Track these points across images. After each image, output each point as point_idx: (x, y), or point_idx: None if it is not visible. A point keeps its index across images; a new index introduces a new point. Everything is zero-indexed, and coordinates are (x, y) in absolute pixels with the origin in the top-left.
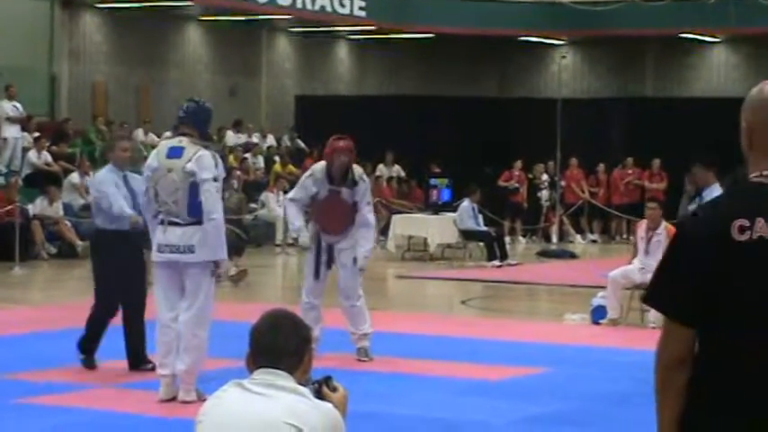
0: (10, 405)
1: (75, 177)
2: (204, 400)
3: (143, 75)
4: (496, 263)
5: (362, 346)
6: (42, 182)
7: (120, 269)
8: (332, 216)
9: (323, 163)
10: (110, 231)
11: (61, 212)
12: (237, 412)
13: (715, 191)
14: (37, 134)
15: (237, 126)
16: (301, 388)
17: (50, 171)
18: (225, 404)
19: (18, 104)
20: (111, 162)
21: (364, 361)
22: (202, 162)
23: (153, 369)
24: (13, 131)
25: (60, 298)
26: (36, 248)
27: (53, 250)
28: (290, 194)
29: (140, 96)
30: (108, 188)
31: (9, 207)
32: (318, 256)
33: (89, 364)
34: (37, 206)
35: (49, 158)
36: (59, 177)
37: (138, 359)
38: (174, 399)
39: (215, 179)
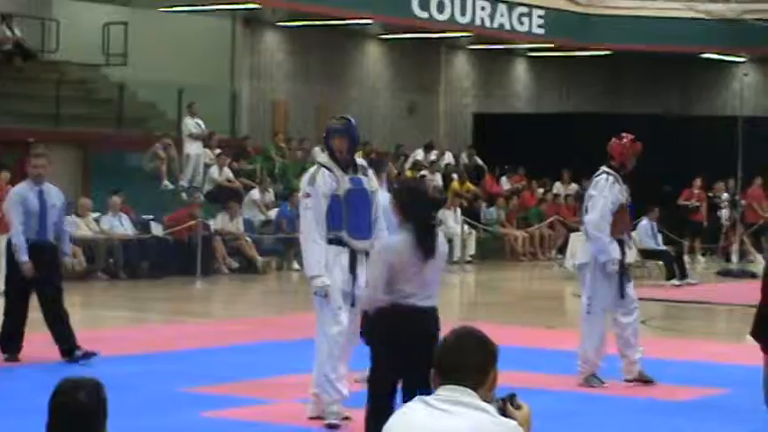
0: (197, 419)
1: (255, 194)
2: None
3: (323, 93)
4: (676, 282)
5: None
6: (224, 198)
7: None
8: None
9: None
10: None
11: (242, 228)
12: (423, 429)
13: None
14: (218, 151)
15: (429, 148)
16: (486, 405)
17: (231, 187)
18: (410, 421)
19: (200, 121)
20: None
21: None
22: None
23: None
24: (195, 148)
25: (240, 312)
26: (217, 263)
27: (234, 265)
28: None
29: (320, 114)
30: None
31: (191, 222)
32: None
33: None
34: (218, 222)
35: (230, 175)
36: (240, 193)
37: None
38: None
39: (307, 195)
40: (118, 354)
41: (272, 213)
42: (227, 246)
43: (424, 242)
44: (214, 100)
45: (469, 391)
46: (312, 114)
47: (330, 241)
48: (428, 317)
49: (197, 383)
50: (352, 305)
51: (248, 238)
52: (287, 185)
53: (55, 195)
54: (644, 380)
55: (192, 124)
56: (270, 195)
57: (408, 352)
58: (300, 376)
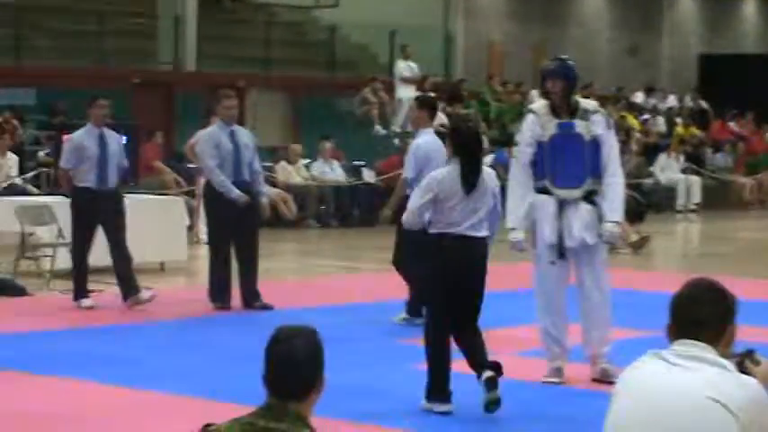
0: (411, 371)
1: None
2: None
3: (540, 33)
4: None
5: None
6: None
7: None
8: None
9: None
10: None
11: None
12: (657, 384)
13: None
14: (432, 95)
15: (650, 91)
16: (724, 361)
17: (445, 133)
18: (643, 375)
19: (413, 64)
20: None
21: None
22: None
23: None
24: (407, 92)
25: None
26: None
27: None
28: None
29: (537, 55)
30: None
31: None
32: None
33: None
34: None
35: (444, 119)
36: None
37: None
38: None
39: (516, 143)
40: (329, 304)
41: (488, 159)
42: None
43: (467, 176)
44: (427, 41)
45: (706, 345)
46: (529, 56)
47: (538, 191)
48: (475, 245)
49: (412, 335)
50: (562, 256)
51: None
52: (503, 131)
53: (246, 135)
54: None
55: (404, 67)
56: (485, 141)
57: (455, 279)
58: (519, 328)
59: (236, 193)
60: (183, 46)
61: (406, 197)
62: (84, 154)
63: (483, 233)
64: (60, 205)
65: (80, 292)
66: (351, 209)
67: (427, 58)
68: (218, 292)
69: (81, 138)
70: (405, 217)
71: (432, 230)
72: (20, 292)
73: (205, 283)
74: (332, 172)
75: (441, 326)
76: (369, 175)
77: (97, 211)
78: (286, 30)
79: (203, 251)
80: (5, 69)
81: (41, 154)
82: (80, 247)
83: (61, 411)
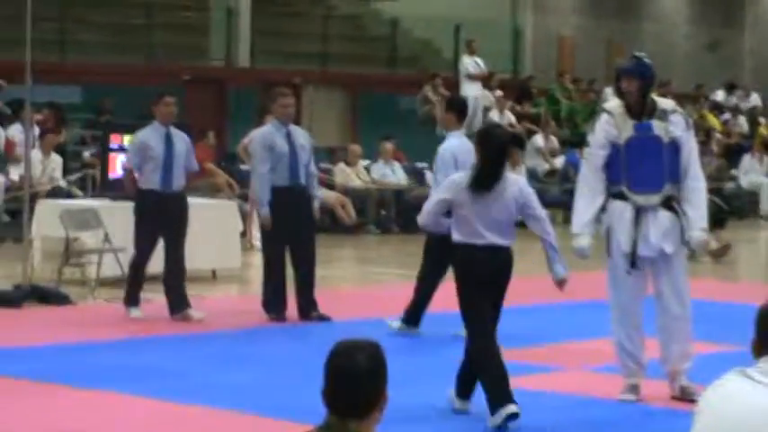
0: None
1: (538, 140)
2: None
3: (614, 27)
4: None
5: None
6: None
7: None
8: None
9: None
10: None
11: (524, 178)
12: (741, 404)
13: None
14: (499, 92)
15: (732, 88)
16: None
17: (513, 132)
18: (727, 394)
19: (479, 60)
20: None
21: None
22: None
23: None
24: (473, 89)
25: (524, 269)
26: None
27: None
28: None
29: (610, 51)
30: None
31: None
32: None
33: None
34: None
35: (512, 119)
36: (523, 139)
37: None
38: None
39: (587, 144)
40: (390, 314)
41: (558, 162)
42: None
43: (479, 177)
44: (494, 36)
45: None
46: (602, 52)
47: (613, 196)
48: (496, 255)
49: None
50: (633, 266)
51: (532, 189)
52: (574, 131)
53: (303, 136)
54: None
55: (470, 63)
56: (555, 141)
57: (477, 288)
58: (592, 342)
59: (265, 209)
60: (236, 41)
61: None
62: (149, 154)
63: (505, 242)
64: (107, 209)
65: (133, 298)
66: (413, 213)
67: (494, 53)
68: (273, 302)
69: (146, 136)
70: (419, 216)
71: (453, 239)
72: (63, 300)
73: (259, 293)
74: (393, 174)
75: (483, 333)
76: (432, 178)
77: (161, 216)
78: (344, 23)
79: (257, 258)
80: (49, 65)
81: (86, 155)
82: (141, 252)
83: (100, 426)
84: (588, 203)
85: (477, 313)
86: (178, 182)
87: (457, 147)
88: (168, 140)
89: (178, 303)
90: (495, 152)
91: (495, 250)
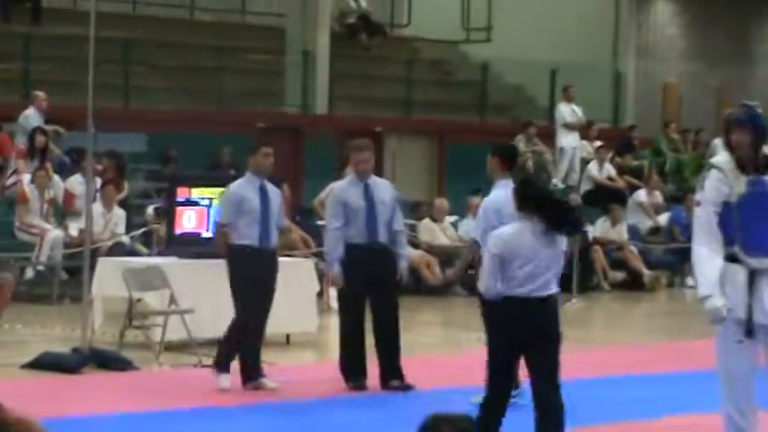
0: None
1: (641, 195)
2: None
3: (724, 73)
4: None
5: None
6: (604, 199)
7: None
8: None
9: None
10: None
11: (625, 236)
12: None
13: None
14: (598, 143)
15: None
16: None
17: (614, 187)
18: None
19: (577, 108)
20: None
21: None
22: None
23: None
24: (570, 140)
25: (622, 337)
26: (596, 277)
27: (617, 278)
28: None
29: (720, 99)
30: None
31: None
32: None
33: None
34: (598, 228)
35: (613, 172)
36: (624, 195)
37: None
38: None
39: (697, 203)
40: (481, 384)
41: (663, 219)
42: (607, 257)
43: (554, 224)
44: (593, 83)
45: None
46: (712, 100)
47: (726, 259)
48: (543, 307)
49: (577, 423)
50: (750, 334)
51: (633, 248)
52: (680, 185)
53: (384, 190)
54: None
55: (567, 111)
56: (659, 197)
57: (525, 346)
58: (700, 416)
59: (336, 270)
60: (313, 86)
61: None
62: (246, 207)
63: (552, 291)
64: (173, 267)
65: (226, 364)
66: None
67: (593, 100)
68: (352, 370)
69: (241, 188)
70: (482, 284)
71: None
72: (126, 366)
73: (336, 359)
74: None
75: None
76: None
77: (258, 273)
78: (430, 68)
79: (335, 321)
80: (112, 112)
81: (150, 210)
82: (248, 310)
83: None
84: (710, 264)
85: (501, 372)
86: (274, 238)
87: (501, 198)
88: (263, 193)
89: (251, 371)
90: (544, 200)
91: (543, 301)
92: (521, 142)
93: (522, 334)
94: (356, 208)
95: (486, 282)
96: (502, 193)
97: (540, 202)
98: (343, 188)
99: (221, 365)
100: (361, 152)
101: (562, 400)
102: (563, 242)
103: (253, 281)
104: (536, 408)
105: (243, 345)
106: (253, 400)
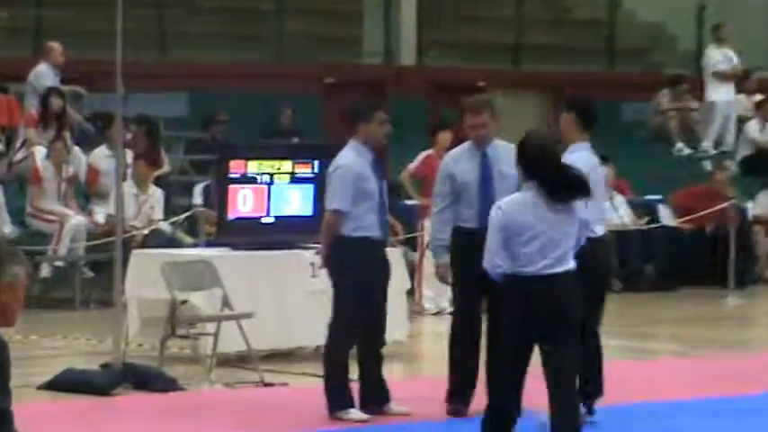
0: None
1: None
2: None
3: None
4: None
5: None
6: (767, 168)
7: None
8: None
9: None
10: None
11: None
12: None
13: None
14: (759, 97)
15: None
16: None
17: None
18: None
19: (731, 53)
20: None
21: None
22: None
23: None
24: (723, 93)
25: None
26: (758, 267)
27: None
28: None
29: None
30: None
31: (720, 206)
32: None
33: None
34: (759, 204)
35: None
36: None
37: None
38: None
39: None
40: (615, 403)
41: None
42: None
43: (554, 191)
44: (752, 21)
45: None
46: None
47: None
48: (556, 286)
49: None
50: None
51: None
52: None
53: (506, 158)
54: None
55: (718, 57)
56: None
57: (537, 328)
58: None
59: (443, 260)
60: (398, 31)
61: None
62: (365, 188)
63: (568, 267)
64: (225, 261)
65: (345, 398)
66: (641, 264)
67: (752, 44)
68: (457, 389)
69: (357, 163)
70: (486, 262)
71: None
72: (169, 385)
73: (431, 373)
74: (613, 210)
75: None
76: (667, 215)
77: (377, 273)
78: (544, 5)
79: (429, 325)
80: (145, 67)
81: (198, 189)
82: (368, 320)
83: None
84: None
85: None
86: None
87: (576, 162)
88: (377, 172)
89: (377, 395)
90: (543, 164)
91: (555, 279)
92: (664, 97)
93: (533, 317)
94: (465, 182)
95: (489, 260)
96: (575, 157)
97: (538, 163)
98: (454, 157)
99: (336, 403)
100: (479, 114)
101: (576, 401)
102: (581, 209)
103: (375, 282)
104: (550, 407)
105: (362, 364)
106: (321, 427)
